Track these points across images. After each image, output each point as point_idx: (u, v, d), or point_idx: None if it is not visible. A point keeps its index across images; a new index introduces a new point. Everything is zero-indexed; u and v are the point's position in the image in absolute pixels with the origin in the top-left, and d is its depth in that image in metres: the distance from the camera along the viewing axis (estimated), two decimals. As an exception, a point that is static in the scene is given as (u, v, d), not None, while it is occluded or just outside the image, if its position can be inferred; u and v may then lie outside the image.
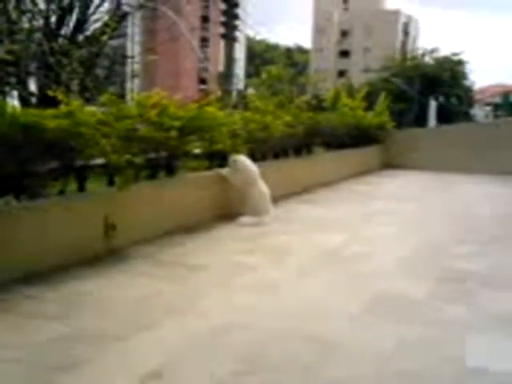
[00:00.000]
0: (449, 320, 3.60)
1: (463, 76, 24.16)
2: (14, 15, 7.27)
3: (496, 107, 34.87)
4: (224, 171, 6.60)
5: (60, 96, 4.84)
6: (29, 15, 7.53)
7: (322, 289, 4.19)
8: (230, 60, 14.06)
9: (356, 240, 5.85)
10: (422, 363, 2.96)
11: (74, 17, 8.03)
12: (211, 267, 4.64)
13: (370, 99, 13.00)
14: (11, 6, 7.33)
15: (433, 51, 24.49)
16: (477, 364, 2.98)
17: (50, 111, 4.54)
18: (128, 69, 11.40)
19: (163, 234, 5.53)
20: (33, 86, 7.49)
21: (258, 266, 4.69)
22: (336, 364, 2.94)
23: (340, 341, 3.22)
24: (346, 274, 4.60)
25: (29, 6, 7.51)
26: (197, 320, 3.46)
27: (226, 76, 13.89)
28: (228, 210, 6.64)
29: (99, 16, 8.38)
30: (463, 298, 4.03)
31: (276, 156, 8.54)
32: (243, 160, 6.55)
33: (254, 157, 7.11)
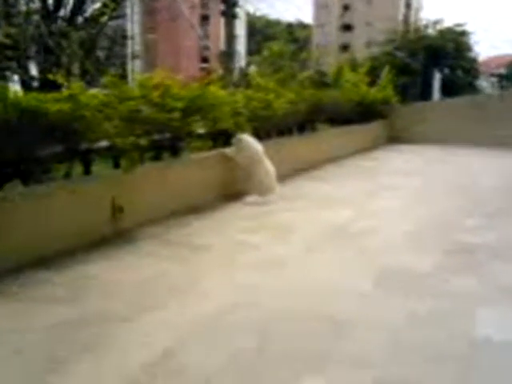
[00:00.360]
0: (458, 292, 3.63)
1: (467, 47, 23.89)
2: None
3: (501, 78, 34.60)
4: (228, 150, 6.60)
5: (61, 79, 4.82)
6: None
7: (329, 265, 4.21)
8: (230, 37, 13.93)
9: (363, 215, 5.86)
10: (432, 336, 2.99)
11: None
12: (216, 247, 4.66)
13: (373, 73, 12.90)
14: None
15: (436, 23, 24.21)
16: (484, 335, 3.01)
17: (52, 95, 4.54)
18: (128, 50, 11.36)
19: (169, 215, 5.56)
20: (34, 70, 7.47)
21: (262, 244, 4.71)
22: (347, 340, 2.96)
23: (350, 317, 3.24)
24: (354, 249, 4.62)
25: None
26: (201, 300, 3.49)
27: (227, 54, 13.77)
28: (233, 189, 6.66)
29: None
30: (471, 270, 4.05)
31: (280, 134, 8.53)
32: (247, 139, 6.54)
33: (258, 135, 7.09)
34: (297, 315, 3.27)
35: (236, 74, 13.29)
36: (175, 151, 6.10)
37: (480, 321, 3.21)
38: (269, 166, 6.56)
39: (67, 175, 4.77)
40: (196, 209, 5.92)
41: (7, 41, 6.69)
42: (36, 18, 7.48)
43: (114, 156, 5.24)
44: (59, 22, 7.74)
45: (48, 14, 7.65)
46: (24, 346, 2.87)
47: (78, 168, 4.95)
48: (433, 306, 3.39)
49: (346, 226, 5.40)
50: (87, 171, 4.98)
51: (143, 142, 5.09)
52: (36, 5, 7.63)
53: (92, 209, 4.71)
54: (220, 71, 12.75)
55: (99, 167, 5.16)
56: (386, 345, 2.91)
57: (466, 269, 4.11)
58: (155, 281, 3.82)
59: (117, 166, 5.27)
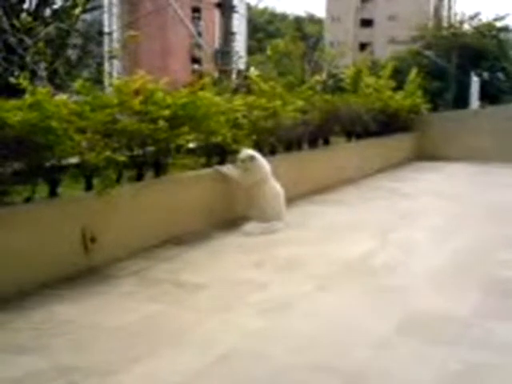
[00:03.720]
0: (505, 344, 3.58)
1: (511, 45, 23.99)
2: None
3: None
4: (229, 169, 6.65)
5: (24, 83, 4.83)
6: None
7: (344, 308, 4.21)
8: (227, 34, 14.05)
9: (385, 247, 5.87)
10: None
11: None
12: (211, 285, 4.64)
13: (398, 77, 12.92)
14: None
15: (473, 17, 24.40)
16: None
17: (13, 102, 4.54)
18: (105, 48, 11.41)
19: (153, 246, 5.56)
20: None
21: (267, 283, 4.69)
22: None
23: (365, 373, 3.20)
24: (373, 288, 4.62)
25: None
26: (195, 350, 3.47)
27: (224, 54, 13.87)
28: (231, 215, 6.66)
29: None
30: (519, 316, 4.01)
31: (287, 149, 8.54)
32: (259, 157, 6.59)
33: (260, 150, 7.12)
34: (305, 367, 3.25)
35: (234, 78, 13.41)
36: (160, 169, 6.09)
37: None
38: (276, 188, 6.61)
39: (29, 199, 4.74)
40: (186, 238, 5.91)
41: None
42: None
43: (86, 175, 5.24)
44: (23, 15, 7.77)
45: (10, 6, 7.69)
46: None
47: (42, 190, 4.93)
48: (471, 362, 3.33)
49: (365, 261, 5.39)
50: (53, 193, 4.96)
51: (121, 157, 5.09)
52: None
53: (58, 239, 4.69)
54: (215, 74, 12.78)
55: (68, 189, 5.16)
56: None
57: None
58: (140, 327, 3.81)
59: (89, 187, 5.25)
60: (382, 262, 5.37)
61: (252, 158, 6.51)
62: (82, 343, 3.54)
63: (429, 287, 4.65)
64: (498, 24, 23.05)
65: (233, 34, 14.72)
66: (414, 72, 13.52)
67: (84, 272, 4.78)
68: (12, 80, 5.37)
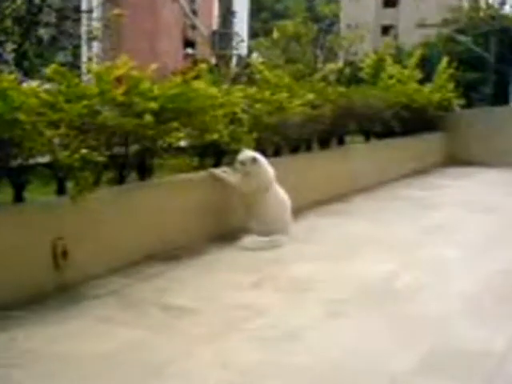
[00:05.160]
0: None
1: None
2: None
3: None
4: (222, 172, 6.67)
5: (-13, 68, 4.84)
6: None
7: (358, 339, 4.17)
8: (227, 13, 14.06)
9: (407, 268, 5.86)
10: None
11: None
12: (202, 309, 4.62)
13: (426, 67, 12.90)
14: None
15: (516, -3, 24.38)
16: None
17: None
18: (83, 28, 11.39)
19: (136, 262, 5.57)
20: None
21: (268, 308, 4.67)
22: None
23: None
24: (393, 316, 4.59)
25: None
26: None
27: (222, 36, 13.87)
28: (228, 226, 6.69)
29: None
30: None
31: (294, 149, 8.53)
32: (263, 160, 6.60)
33: (263, 151, 7.14)
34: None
35: (234, 65, 13.42)
36: (146, 171, 6.12)
37: None
38: (282, 196, 6.63)
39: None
40: (174, 253, 5.93)
41: None
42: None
43: (59, 177, 5.23)
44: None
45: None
46: None
47: (5, 194, 4.94)
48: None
49: (385, 283, 5.39)
50: (19, 198, 4.95)
51: (100, 157, 5.10)
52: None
53: (23, 254, 4.66)
54: (211, 60, 12.75)
55: (36, 193, 5.18)
56: None
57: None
58: (118, 357, 3.78)
59: (62, 191, 5.26)
60: (404, 284, 5.36)
61: (253, 160, 6.51)
62: (47, 376, 3.50)
63: (459, 316, 4.62)
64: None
65: (233, 13, 14.74)
66: (444, 61, 13.48)
67: (54, 292, 4.77)
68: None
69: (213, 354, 3.88)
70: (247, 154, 6.56)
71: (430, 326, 4.40)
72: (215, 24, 15.75)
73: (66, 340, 4.02)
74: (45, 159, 5.00)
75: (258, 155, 6.61)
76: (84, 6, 12.99)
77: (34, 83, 5.79)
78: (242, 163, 6.51)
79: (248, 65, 11.84)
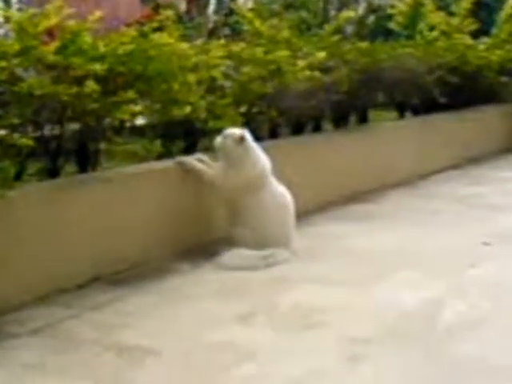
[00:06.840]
0: None
1: None
2: None
3: None
4: (196, 161, 6.40)
5: None
6: None
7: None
8: None
9: (458, 293, 5.64)
10: None
11: None
12: (167, 352, 4.45)
13: (482, 15, 12.59)
14: None
15: None
16: None
17: None
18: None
19: (76, 287, 5.47)
20: None
21: (260, 349, 4.51)
22: None
23: None
24: (434, 359, 4.38)
25: None
26: None
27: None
28: (203, 236, 6.58)
29: None
30: None
31: (298, 129, 8.41)
32: (250, 141, 6.34)
33: (253, 131, 6.83)
34: None
35: (211, 13, 13.55)
36: (88, 160, 6.15)
37: None
38: (281, 195, 6.41)
39: None
40: (128, 274, 5.84)
41: None
42: None
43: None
44: None
45: None
46: None
47: None
48: None
49: (424, 315, 5.15)
50: None
51: (24, 140, 5.09)
52: None
53: None
54: (181, 5, 12.83)
55: None
56: None
57: None
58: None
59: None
60: (452, 316, 5.11)
61: (241, 139, 6.23)
62: None
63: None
64: None
65: None
66: (509, 6, 13.07)
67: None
68: None
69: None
70: (231, 133, 6.31)
71: (488, 376, 4.15)
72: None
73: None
74: None
75: (247, 134, 6.34)
76: None
77: None
78: (224, 146, 6.26)
79: (232, 12, 12.19)
